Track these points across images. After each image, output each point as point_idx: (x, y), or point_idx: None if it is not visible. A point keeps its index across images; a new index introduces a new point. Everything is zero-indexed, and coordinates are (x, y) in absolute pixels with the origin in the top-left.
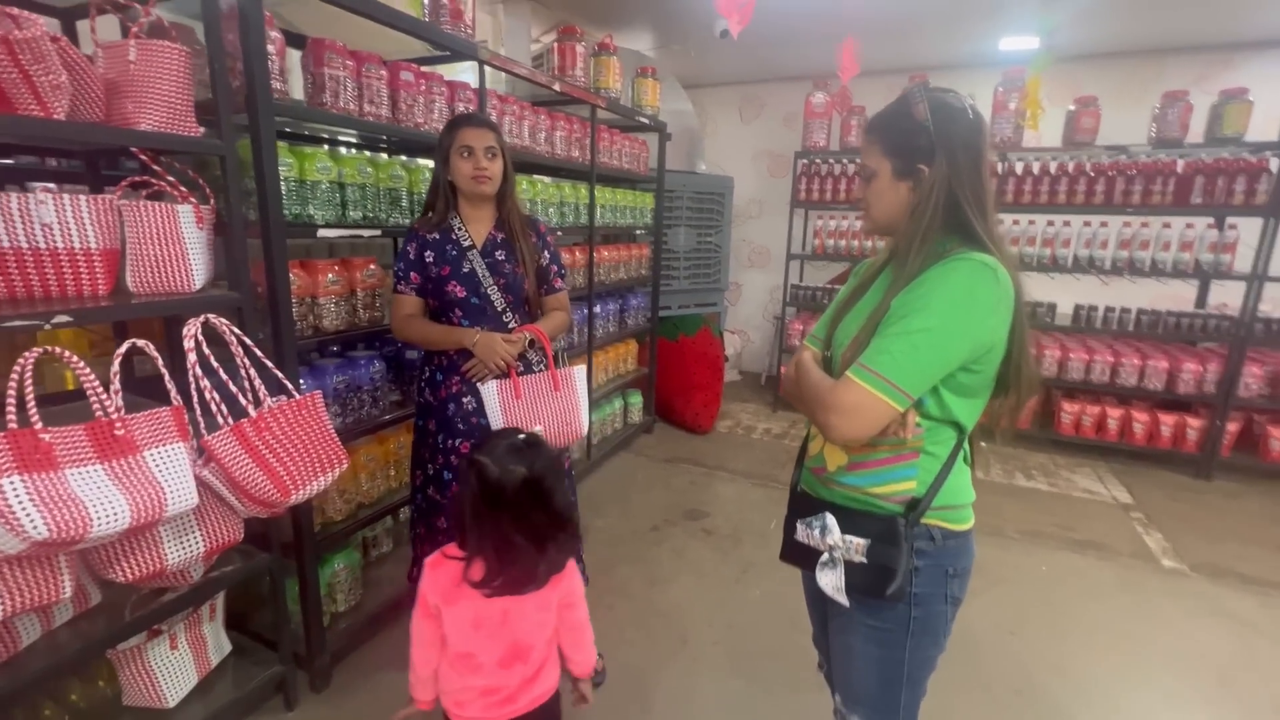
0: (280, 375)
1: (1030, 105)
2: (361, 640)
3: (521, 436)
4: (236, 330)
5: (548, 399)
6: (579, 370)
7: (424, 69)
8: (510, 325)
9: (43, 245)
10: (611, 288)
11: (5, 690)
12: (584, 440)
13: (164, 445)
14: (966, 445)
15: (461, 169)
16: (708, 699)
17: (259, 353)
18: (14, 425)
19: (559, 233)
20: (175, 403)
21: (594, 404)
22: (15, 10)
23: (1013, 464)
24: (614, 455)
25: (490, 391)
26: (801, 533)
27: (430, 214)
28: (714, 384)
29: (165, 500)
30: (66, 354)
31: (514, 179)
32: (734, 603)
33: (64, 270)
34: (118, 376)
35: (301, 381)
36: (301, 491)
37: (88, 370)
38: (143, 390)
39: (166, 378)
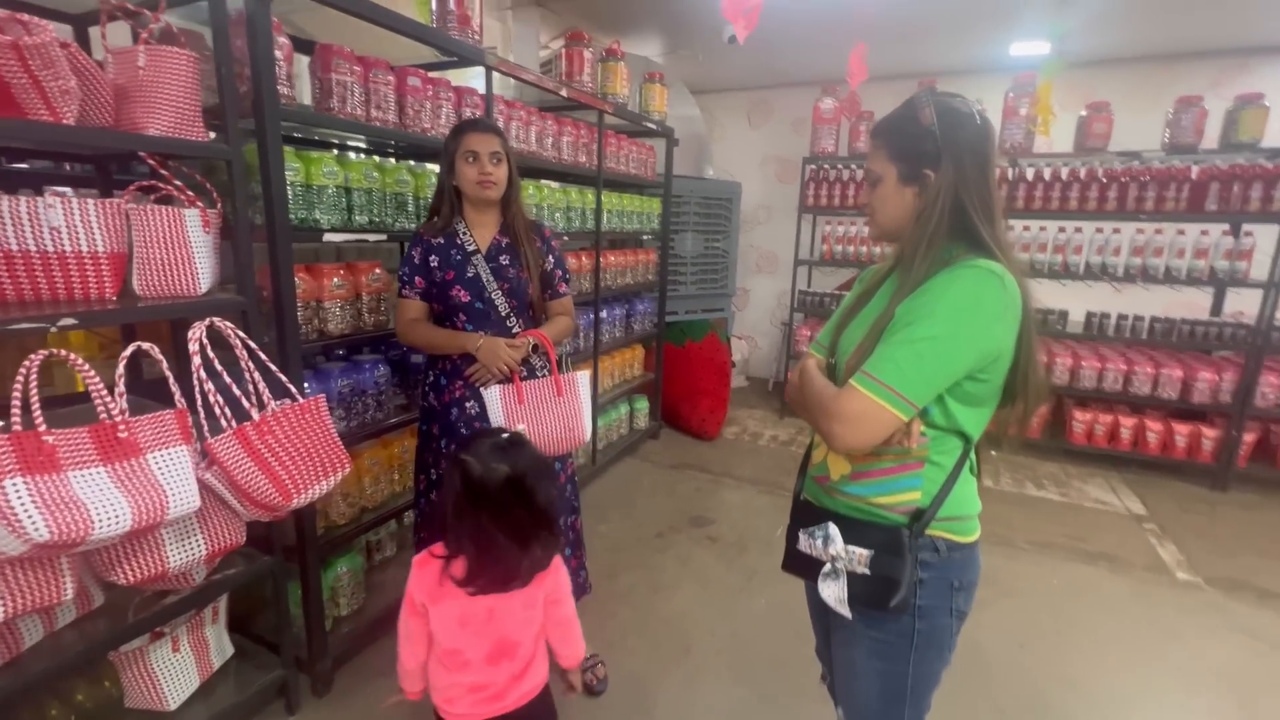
0: (284, 379)
1: (1041, 111)
2: (364, 644)
3: (505, 435)
4: (241, 334)
5: (550, 404)
6: (582, 376)
7: (432, 74)
8: (514, 330)
9: (51, 248)
10: (618, 293)
11: (8, 691)
12: (589, 445)
13: (167, 448)
14: (973, 455)
15: (466, 174)
16: (710, 708)
17: (263, 356)
18: (19, 427)
19: (565, 237)
20: (179, 405)
21: (600, 409)
22: (25, 17)
23: (1023, 473)
24: (619, 461)
25: (493, 396)
26: (804, 542)
27: (435, 218)
28: (721, 390)
29: (167, 503)
30: (72, 356)
31: (519, 184)
32: (738, 611)
33: (71, 273)
34: (122, 379)
35: (306, 385)
36: (303, 495)
37: (92, 373)
38: (150, 393)
39: (171, 380)
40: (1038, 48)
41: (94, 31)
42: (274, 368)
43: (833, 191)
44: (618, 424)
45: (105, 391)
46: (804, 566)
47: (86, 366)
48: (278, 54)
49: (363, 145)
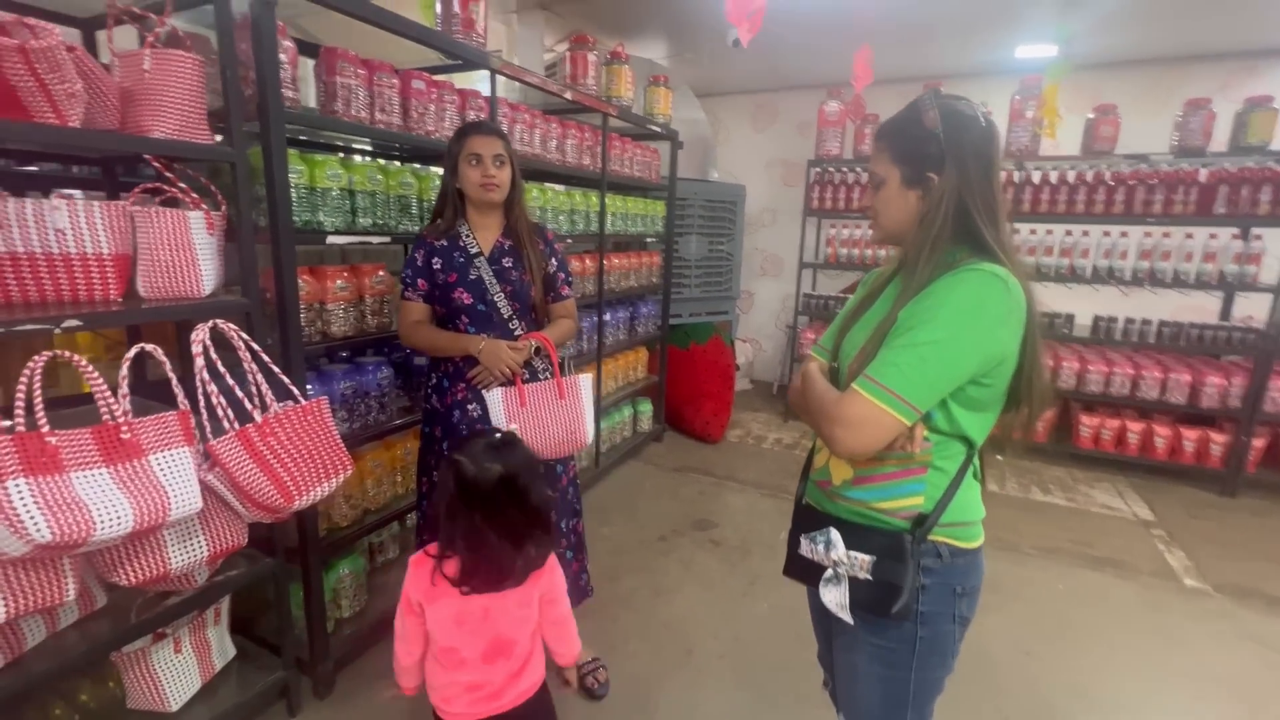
0: (286, 381)
1: (1048, 113)
2: (366, 647)
3: (498, 435)
4: (244, 335)
5: (552, 407)
6: (584, 379)
7: (437, 77)
8: (516, 332)
9: (56, 250)
10: (622, 295)
11: (11, 690)
12: (592, 448)
13: (169, 449)
14: (977, 460)
15: (470, 177)
16: (712, 713)
17: (266, 358)
18: (23, 428)
19: (569, 240)
20: (182, 407)
21: (603, 411)
22: (33, 20)
23: (1029, 478)
24: (623, 463)
25: (495, 399)
26: (805, 547)
27: (439, 221)
28: (724, 393)
29: (169, 504)
30: (75, 358)
31: (522, 187)
32: (741, 615)
33: (76, 275)
34: (125, 380)
35: (309, 387)
36: (305, 497)
37: (95, 374)
38: (155, 394)
39: (174, 382)
40: (1044, 50)
41: (102, 35)
42: (277, 369)
43: (837, 194)
44: (621, 426)
45: (109, 393)
46: (805, 571)
47: (90, 368)
48: (282, 57)
49: (368, 148)
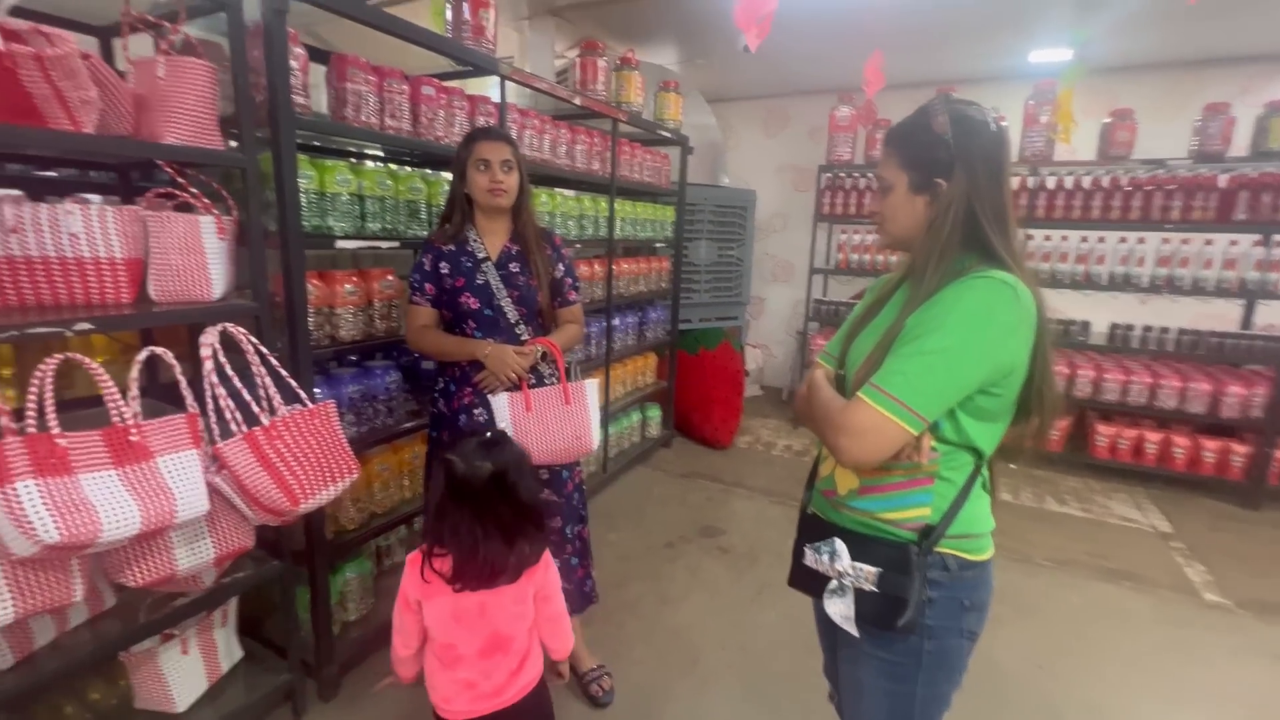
0: (294, 384)
1: (1062, 118)
2: (371, 650)
3: (488, 434)
4: (253, 339)
5: (558, 412)
6: (591, 384)
7: (448, 83)
8: (523, 337)
9: (69, 254)
10: (631, 300)
11: (21, 689)
12: (600, 453)
13: (177, 452)
14: (986, 471)
15: (478, 182)
16: None
17: (274, 361)
18: (34, 429)
19: (578, 245)
20: (191, 409)
21: (611, 417)
22: (48, 29)
23: (1044, 487)
24: (631, 469)
25: (501, 403)
26: (810, 558)
27: (447, 226)
28: (734, 399)
29: (175, 507)
30: (86, 361)
31: (530, 192)
32: (748, 624)
33: (89, 278)
34: (135, 383)
35: (317, 390)
36: (310, 500)
37: (106, 376)
38: (168, 396)
39: (183, 385)
40: (1058, 54)
41: (118, 43)
42: (285, 373)
43: (849, 200)
44: (629, 432)
45: (118, 395)
46: (810, 582)
47: (101, 370)
48: (294, 64)
49: (379, 153)
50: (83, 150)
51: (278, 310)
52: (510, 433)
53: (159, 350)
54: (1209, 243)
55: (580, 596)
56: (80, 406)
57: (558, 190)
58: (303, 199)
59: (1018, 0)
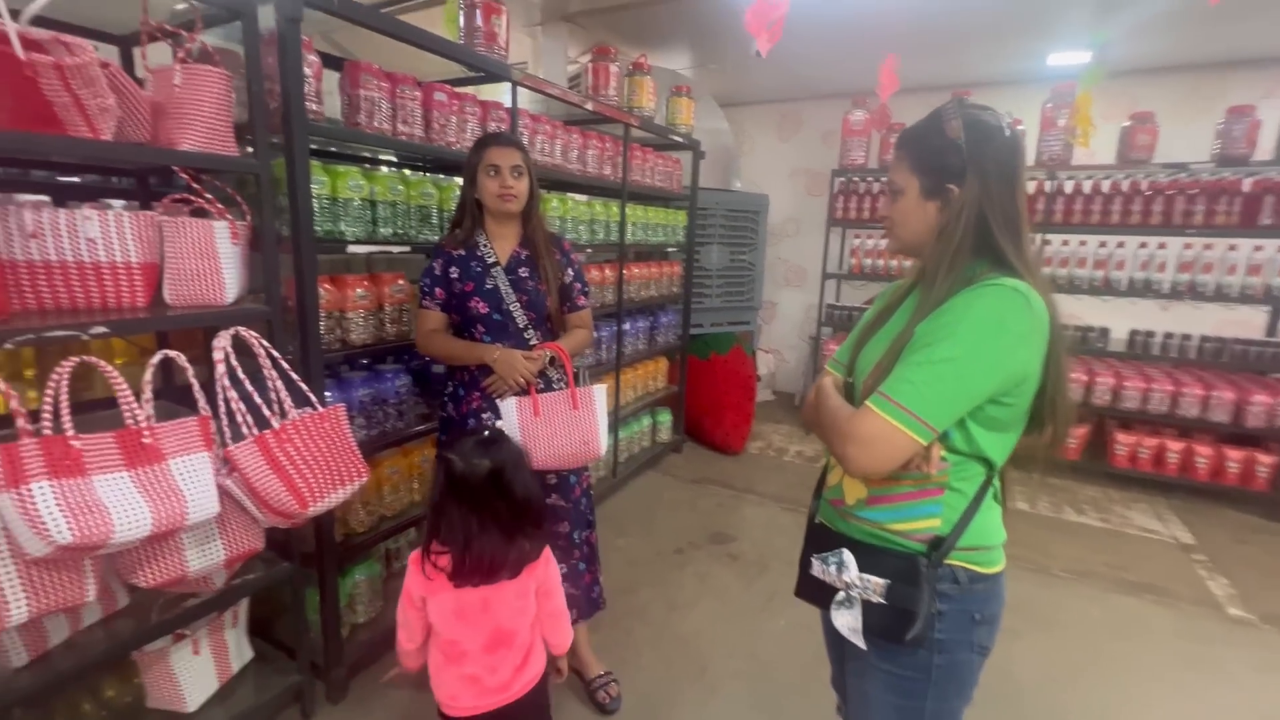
0: (305, 388)
1: (1081, 121)
2: (380, 653)
3: (485, 432)
4: (265, 343)
5: (566, 417)
6: (599, 389)
7: (459, 89)
8: (531, 342)
9: (87, 259)
10: (642, 305)
11: (33, 687)
12: (610, 458)
13: (189, 454)
14: (997, 482)
15: (488, 187)
16: None
17: (285, 365)
18: (49, 431)
19: (589, 250)
20: (204, 412)
21: (622, 421)
22: (68, 38)
23: (1061, 496)
24: (641, 474)
25: (509, 408)
26: (817, 568)
27: (457, 231)
28: (745, 404)
29: (186, 509)
30: (101, 363)
31: (540, 197)
32: (757, 632)
33: (106, 282)
34: (149, 386)
35: (328, 394)
36: (319, 503)
37: (120, 379)
38: (183, 398)
39: (196, 388)
40: (1076, 57)
41: (139, 52)
42: (296, 377)
43: (862, 204)
44: (639, 436)
45: (132, 398)
46: (817, 593)
47: (115, 373)
48: (307, 71)
49: (392, 159)
50: (101, 157)
51: (289, 314)
52: (518, 437)
53: (172, 353)
54: (1233, 248)
55: (588, 602)
56: (98, 408)
57: (569, 195)
58: (315, 204)
59: (1036, 2)
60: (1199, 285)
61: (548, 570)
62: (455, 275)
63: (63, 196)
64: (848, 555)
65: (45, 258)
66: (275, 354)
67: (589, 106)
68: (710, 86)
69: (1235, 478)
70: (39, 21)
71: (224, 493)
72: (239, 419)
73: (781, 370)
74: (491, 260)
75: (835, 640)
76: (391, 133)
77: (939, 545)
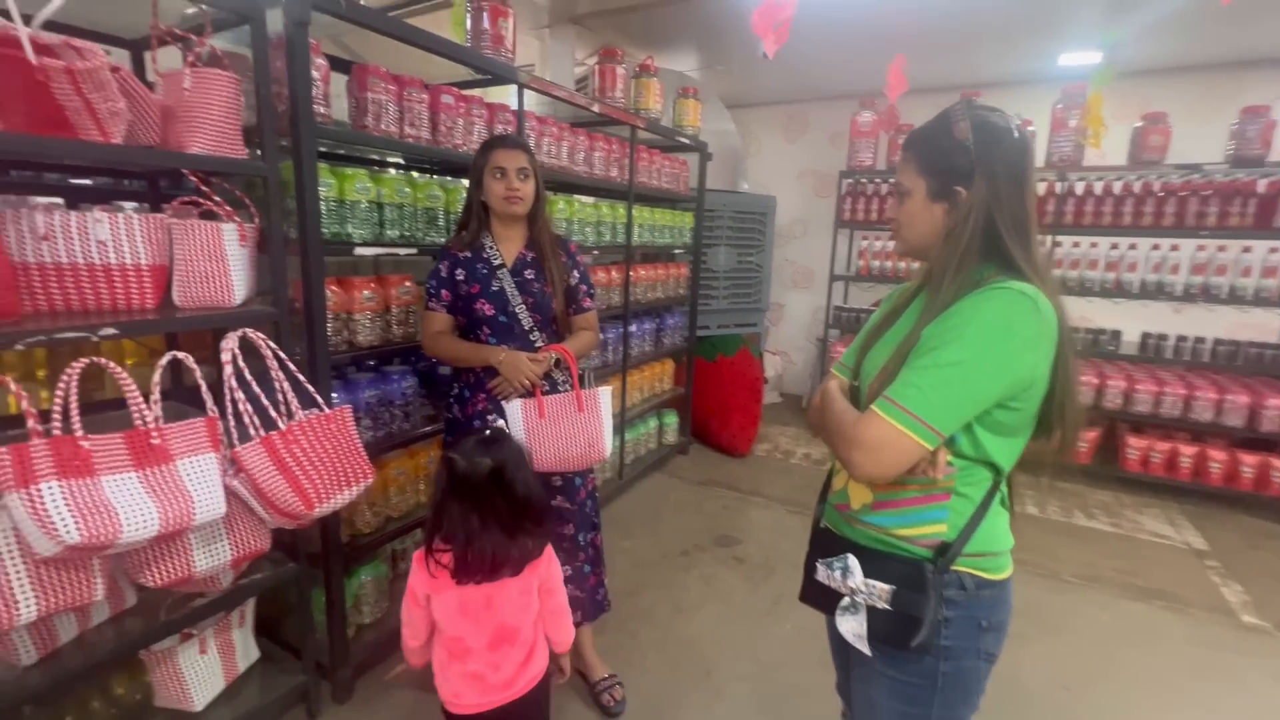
0: (311, 389)
1: (1092, 122)
2: (385, 654)
3: (487, 432)
4: (272, 344)
5: (571, 419)
6: (604, 392)
7: (466, 92)
8: (537, 344)
9: (97, 261)
10: (648, 307)
11: (42, 685)
12: (616, 460)
13: (196, 455)
14: (1005, 487)
15: (494, 189)
16: None
17: (292, 366)
18: (58, 432)
19: (595, 252)
20: (211, 413)
21: (628, 423)
22: (79, 42)
23: (1071, 501)
24: (647, 476)
25: (514, 410)
26: (822, 573)
27: (463, 233)
28: (752, 406)
29: (193, 509)
30: (111, 365)
31: (545, 199)
32: (763, 636)
33: (115, 284)
34: (157, 387)
35: (335, 395)
36: (325, 504)
37: (129, 380)
38: (192, 399)
39: (204, 389)
40: (1087, 57)
41: (149, 56)
42: (302, 378)
43: (870, 206)
44: (646, 438)
45: (140, 399)
46: (822, 598)
47: (124, 374)
48: (315, 74)
49: (400, 161)
50: (111, 160)
51: (297, 316)
52: (523, 439)
53: (180, 355)
54: (1247, 250)
55: (593, 605)
56: (109, 408)
57: (576, 197)
58: (322, 206)
59: (1046, 2)
60: (1212, 288)
61: (550, 568)
62: (461, 277)
63: (76, 199)
64: (853, 560)
65: (56, 260)
66: (282, 355)
67: (596, 108)
68: (717, 88)
69: (1249, 483)
70: (51, 26)
71: (231, 493)
72: (246, 420)
73: (789, 372)
74: (497, 262)
75: (840, 646)
76: (399, 135)
77: (945, 551)
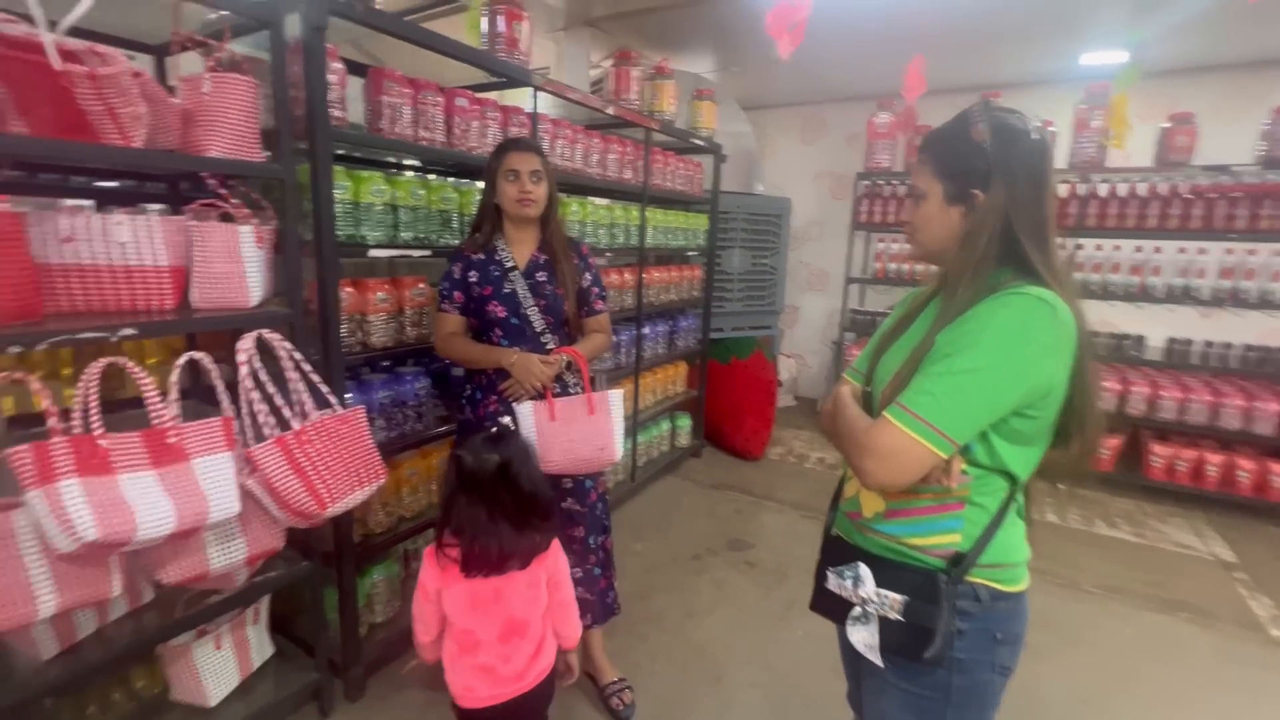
0: (325, 390)
1: (1115, 123)
2: (397, 653)
3: (494, 429)
4: (287, 345)
5: (582, 422)
6: (615, 394)
7: (482, 95)
8: (548, 346)
9: (118, 262)
10: (661, 309)
11: (63, 678)
12: (628, 462)
13: (212, 454)
14: (1021, 497)
15: (507, 192)
16: None
17: (307, 367)
18: (79, 430)
19: (608, 254)
20: (227, 413)
21: (641, 425)
22: (102, 48)
23: (1093, 509)
24: (659, 479)
25: (525, 411)
26: (833, 582)
27: (477, 235)
28: (766, 409)
29: (208, 508)
30: (129, 364)
31: (558, 201)
32: (774, 642)
33: (135, 285)
34: (175, 387)
35: (348, 396)
36: (338, 505)
37: (148, 380)
38: (212, 398)
39: (220, 389)
40: (1111, 56)
41: (171, 61)
42: (317, 379)
43: (887, 208)
44: (658, 441)
45: (158, 398)
46: (833, 607)
47: (143, 373)
48: (332, 78)
49: (416, 163)
50: (132, 163)
51: (312, 317)
52: (533, 441)
53: (197, 355)
54: (1279, 253)
55: (602, 607)
56: (130, 407)
57: (589, 199)
58: (338, 209)
59: (1068, 1)
60: (1241, 292)
61: (557, 561)
62: (474, 279)
63: (104, 202)
64: (864, 569)
65: (79, 261)
66: (297, 356)
67: (610, 111)
68: (733, 90)
69: (1279, 493)
70: (77, 32)
71: (245, 492)
72: (261, 420)
73: (803, 375)
74: (510, 264)
75: (851, 656)
76: (413, 138)
77: (960, 561)
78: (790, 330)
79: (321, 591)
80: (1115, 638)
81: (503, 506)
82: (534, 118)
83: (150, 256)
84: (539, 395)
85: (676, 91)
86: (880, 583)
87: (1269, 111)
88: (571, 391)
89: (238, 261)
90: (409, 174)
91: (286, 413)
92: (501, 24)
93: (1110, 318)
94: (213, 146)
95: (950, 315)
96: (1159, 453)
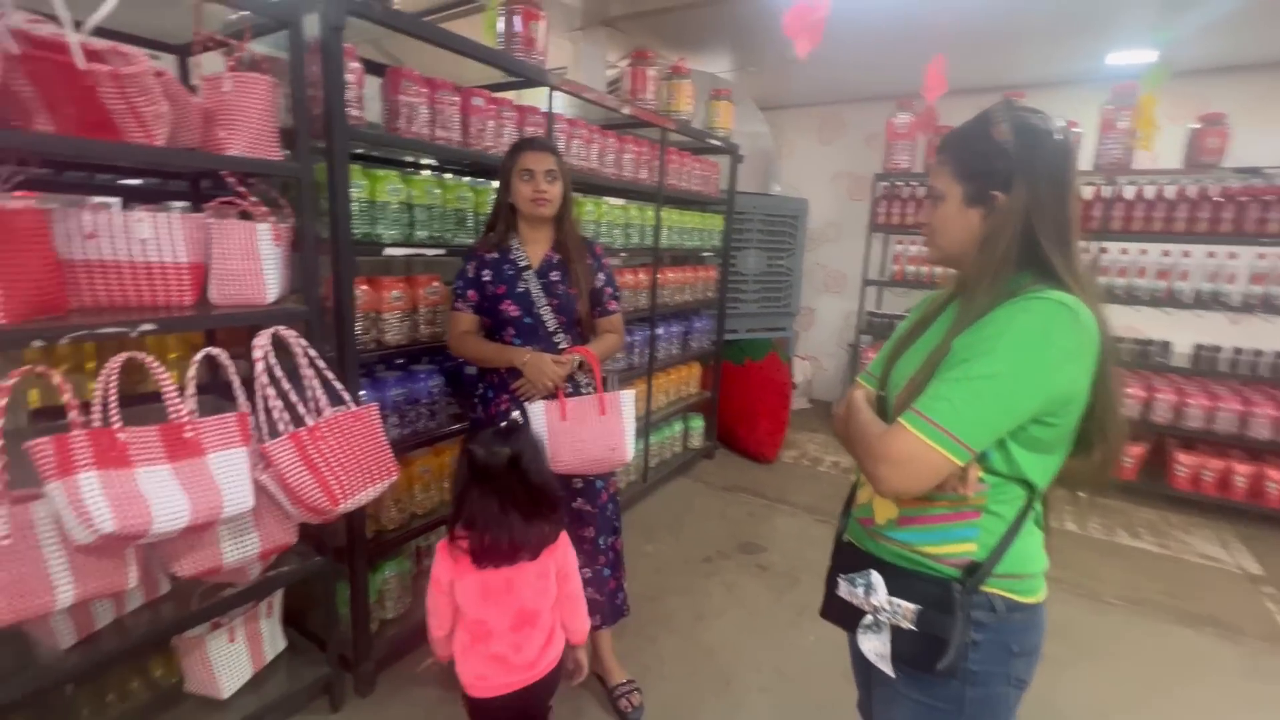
0: (340, 387)
1: (1143, 124)
2: (408, 649)
3: (503, 423)
4: (303, 342)
5: (594, 422)
6: (627, 395)
7: (499, 94)
8: (561, 346)
9: (139, 259)
10: (676, 309)
11: (81, 667)
12: (640, 462)
13: (227, 449)
14: (1039, 505)
15: (521, 191)
16: None
17: (322, 364)
18: (98, 424)
19: (623, 254)
20: (243, 409)
21: (653, 426)
22: (125, 48)
23: (1115, 518)
24: (671, 480)
25: (537, 411)
26: (844, 589)
27: (491, 234)
28: (780, 411)
29: (223, 502)
30: (148, 359)
31: (573, 201)
32: (785, 647)
33: (156, 281)
34: (192, 382)
35: (362, 393)
36: (350, 501)
37: (165, 375)
38: (228, 393)
39: (236, 385)
40: (1138, 56)
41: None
42: (331, 376)
43: (905, 210)
44: (671, 442)
45: (176, 393)
46: (844, 615)
47: (161, 368)
48: (350, 78)
49: (432, 162)
50: (154, 161)
51: (327, 314)
52: (545, 440)
53: (215, 351)
54: None
55: (612, 609)
56: (150, 401)
57: (604, 199)
58: (354, 207)
59: (1095, 0)
60: (1273, 298)
61: (566, 553)
62: (488, 278)
63: (128, 199)
64: (876, 577)
65: (101, 257)
66: (312, 353)
67: (626, 111)
68: (750, 89)
69: None
70: (101, 32)
71: (259, 487)
72: (276, 416)
73: (819, 378)
74: (523, 264)
75: (862, 664)
76: (430, 137)
77: (975, 571)
78: (806, 332)
79: (334, 587)
80: (1137, 651)
81: (514, 498)
82: (550, 117)
83: (170, 253)
84: (551, 395)
85: (693, 91)
86: (892, 591)
87: None
88: (584, 391)
89: (255, 259)
90: (425, 173)
91: (301, 409)
92: (519, 24)
93: (1136, 323)
94: (232, 145)
95: (968, 320)
96: (1184, 462)
